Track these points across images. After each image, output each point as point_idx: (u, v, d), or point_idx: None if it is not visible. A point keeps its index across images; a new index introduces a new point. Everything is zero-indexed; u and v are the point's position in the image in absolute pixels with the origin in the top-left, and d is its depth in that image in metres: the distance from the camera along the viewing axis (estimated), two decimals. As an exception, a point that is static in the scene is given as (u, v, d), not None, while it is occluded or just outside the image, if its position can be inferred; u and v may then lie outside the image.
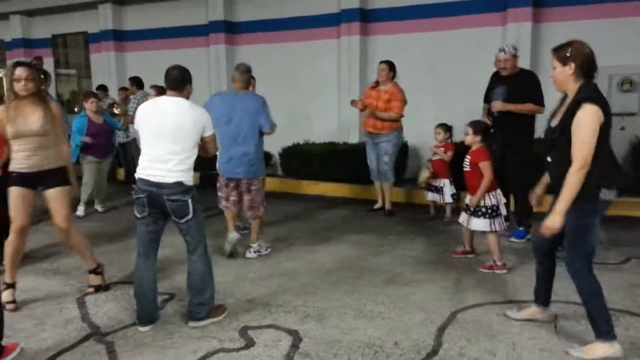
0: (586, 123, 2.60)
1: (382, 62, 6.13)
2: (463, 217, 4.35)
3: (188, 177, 3.21)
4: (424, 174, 5.94)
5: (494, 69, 5.16)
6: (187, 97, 3.30)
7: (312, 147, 8.03)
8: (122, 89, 8.77)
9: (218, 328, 3.29)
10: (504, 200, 4.26)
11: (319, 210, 6.65)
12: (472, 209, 4.20)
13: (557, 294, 3.63)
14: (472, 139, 4.25)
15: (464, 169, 4.30)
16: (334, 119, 8.48)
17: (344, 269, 4.35)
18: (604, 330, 2.74)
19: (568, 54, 2.72)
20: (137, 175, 3.24)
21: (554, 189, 2.84)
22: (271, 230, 5.62)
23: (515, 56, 4.93)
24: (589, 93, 2.68)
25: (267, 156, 8.47)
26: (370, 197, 6.84)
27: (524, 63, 7.27)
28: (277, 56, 9.05)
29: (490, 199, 4.15)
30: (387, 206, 6.28)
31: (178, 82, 3.23)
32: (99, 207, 6.73)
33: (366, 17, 8.40)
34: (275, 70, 8.88)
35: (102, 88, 9.16)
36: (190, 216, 3.19)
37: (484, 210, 4.15)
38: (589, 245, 2.78)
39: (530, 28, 7.28)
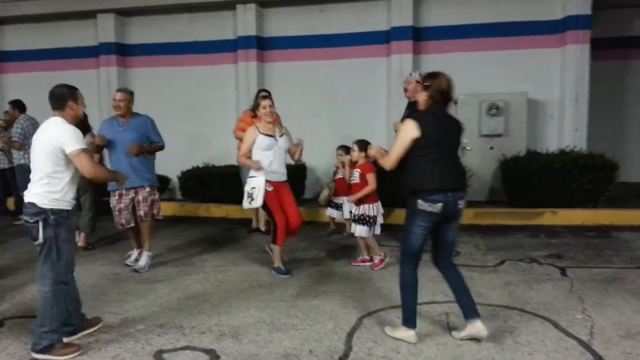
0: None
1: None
2: (351, 226, 5.01)
3: (43, 200, 3.09)
4: (325, 193, 6.34)
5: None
6: (73, 116, 3.24)
7: (213, 170, 8.05)
8: (6, 112, 8.12)
9: (131, 355, 3.23)
10: (382, 210, 4.95)
11: (223, 232, 6.68)
12: (356, 217, 4.86)
13: (447, 293, 4.09)
14: (358, 155, 4.92)
15: (352, 182, 4.94)
16: (233, 142, 8.57)
17: (254, 287, 4.47)
18: (406, 319, 3.28)
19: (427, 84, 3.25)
20: None
21: None
22: (178, 254, 5.57)
23: (418, 82, 5.38)
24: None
25: (165, 180, 8.33)
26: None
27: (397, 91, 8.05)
28: (175, 80, 8.98)
29: (372, 209, 4.83)
30: (262, 226, 6.60)
31: (56, 100, 3.21)
32: None
33: (262, 45, 8.69)
34: (174, 94, 8.83)
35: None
36: (40, 241, 3.09)
37: (366, 219, 4.82)
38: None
39: (411, 59, 8.07)
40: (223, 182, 7.73)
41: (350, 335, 3.43)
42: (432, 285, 4.31)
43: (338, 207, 6.28)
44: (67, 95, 3.21)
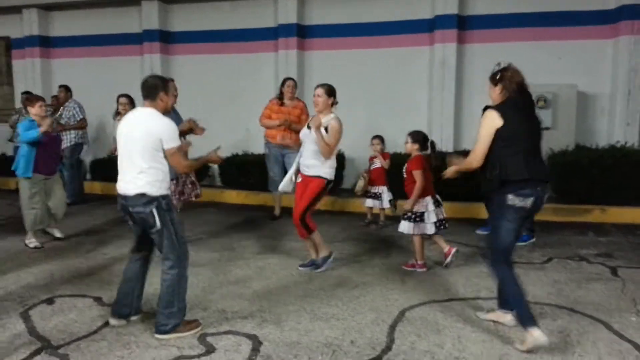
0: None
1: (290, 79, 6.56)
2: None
3: (152, 188, 3.16)
4: (360, 183, 6.28)
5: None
6: (162, 107, 3.27)
7: (251, 158, 8.10)
8: (54, 97, 8.40)
9: (176, 336, 3.29)
10: (432, 207, 4.48)
11: (262, 219, 6.72)
12: (403, 214, 4.55)
13: (493, 290, 3.99)
14: (411, 147, 4.58)
15: (405, 176, 4.61)
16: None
17: (294, 274, 4.48)
18: (524, 319, 3.05)
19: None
20: None
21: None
22: (218, 240, 5.64)
23: None
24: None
25: (205, 167, 8.44)
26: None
27: (449, 81, 7.90)
28: (216, 67, 9.05)
29: (417, 205, 4.46)
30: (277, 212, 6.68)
31: (149, 89, 3.23)
32: (56, 233, 5.73)
33: (303, 33, 8.64)
34: (214, 82, 8.90)
35: (27, 94, 8.69)
36: (157, 227, 3.17)
37: (409, 214, 4.49)
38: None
39: (455, 48, 7.87)
40: (261, 170, 7.76)
41: (392, 327, 3.38)
42: (476, 281, 4.23)
43: (376, 196, 6.21)
44: (159, 86, 3.24)
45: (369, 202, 6.29)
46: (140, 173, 3.14)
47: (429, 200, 4.49)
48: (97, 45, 9.66)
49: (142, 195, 3.14)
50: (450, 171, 3.45)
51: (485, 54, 7.57)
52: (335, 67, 8.31)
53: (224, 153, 8.07)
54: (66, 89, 7.90)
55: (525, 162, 2.98)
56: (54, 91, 9.00)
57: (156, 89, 3.22)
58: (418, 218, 4.47)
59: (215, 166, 8.42)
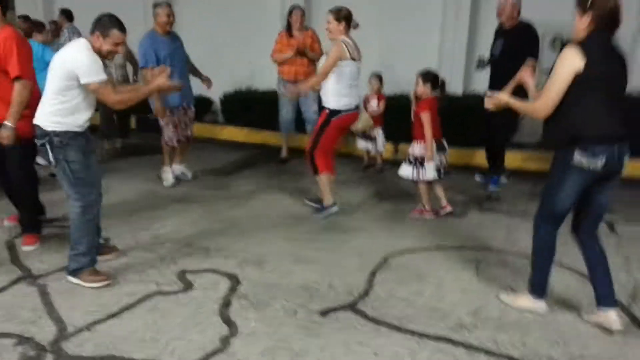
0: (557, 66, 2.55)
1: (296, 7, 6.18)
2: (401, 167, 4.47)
3: (45, 122, 2.97)
4: (367, 122, 5.89)
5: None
6: (97, 48, 2.95)
7: (255, 94, 7.90)
8: (53, 22, 8.14)
9: (156, 271, 3.31)
10: (436, 152, 4.30)
11: (261, 158, 6.63)
12: (407, 160, 4.38)
13: (481, 240, 3.92)
14: (422, 89, 4.31)
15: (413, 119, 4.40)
16: (274, 67, 8.31)
17: (283, 216, 4.43)
18: (535, 286, 2.87)
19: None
20: None
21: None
22: (213, 178, 5.59)
23: (514, 5, 4.91)
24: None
25: (208, 102, 8.28)
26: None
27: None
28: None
29: (420, 148, 4.28)
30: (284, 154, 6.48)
31: (93, 24, 2.99)
32: None
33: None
34: (217, 13, 8.54)
35: (24, 18, 8.43)
36: (52, 163, 3.04)
37: (411, 159, 4.33)
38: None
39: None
40: (264, 107, 7.58)
41: (373, 274, 3.35)
42: (466, 230, 4.15)
43: (369, 138, 6.00)
44: (96, 25, 2.97)
45: (362, 144, 6.09)
46: (42, 104, 3.00)
47: (434, 144, 4.31)
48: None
49: (37, 127, 3.00)
50: (498, 101, 2.87)
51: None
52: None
53: (227, 88, 7.99)
54: (66, 13, 7.63)
55: (605, 117, 2.55)
56: (54, 15, 8.74)
57: (93, 27, 2.97)
58: (419, 162, 4.30)
59: (218, 102, 8.25)
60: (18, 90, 3.31)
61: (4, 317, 2.75)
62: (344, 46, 4.09)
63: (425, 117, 4.22)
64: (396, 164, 5.74)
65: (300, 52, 5.96)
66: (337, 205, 4.41)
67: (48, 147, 2.97)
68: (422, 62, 5.30)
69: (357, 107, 4.40)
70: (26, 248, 3.60)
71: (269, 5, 8.33)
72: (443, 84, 4.44)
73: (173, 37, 5.10)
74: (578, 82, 2.50)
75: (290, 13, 6.11)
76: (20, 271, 3.26)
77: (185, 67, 5.19)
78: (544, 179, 2.82)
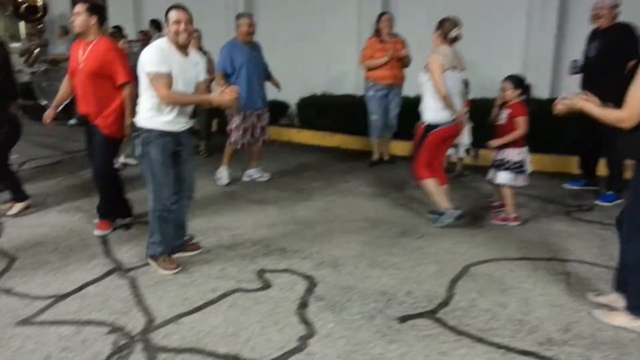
0: None
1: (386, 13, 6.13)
2: (491, 173, 4.35)
3: (140, 118, 3.19)
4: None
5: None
6: (168, 38, 3.09)
7: (330, 99, 7.96)
8: (142, 32, 8.66)
9: (236, 269, 3.39)
10: (529, 157, 4.22)
11: (336, 162, 6.64)
12: (497, 163, 4.24)
13: (571, 252, 3.69)
14: (512, 94, 4.17)
15: (498, 122, 4.25)
16: (351, 70, 8.33)
17: (359, 220, 4.40)
18: (634, 304, 2.67)
19: None
20: None
21: None
22: (287, 180, 5.67)
23: (613, 7, 4.65)
24: None
25: (284, 106, 8.44)
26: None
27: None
28: (294, 3, 8.79)
29: (517, 154, 4.16)
30: (386, 157, 6.47)
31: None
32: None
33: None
34: (294, 19, 8.69)
35: (117, 29, 9.05)
36: (138, 157, 3.26)
37: (509, 165, 4.18)
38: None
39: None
40: (339, 111, 7.62)
41: (453, 282, 3.24)
42: (554, 240, 3.92)
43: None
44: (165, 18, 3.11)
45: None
46: (139, 101, 3.20)
47: (526, 150, 4.20)
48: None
49: (135, 122, 3.23)
50: (571, 105, 2.71)
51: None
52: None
53: (303, 93, 8.11)
54: (155, 24, 8.10)
55: None
56: (146, 25, 9.29)
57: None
58: (519, 168, 4.18)
59: (293, 106, 8.39)
60: (128, 94, 3.71)
61: (98, 307, 2.93)
62: (441, 57, 4.00)
63: (522, 121, 4.10)
64: (476, 170, 5.59)
65: (396, 58, 5.95)
66: (456, 210, 4.22)
67: (139, 141, 3.17)
68: (506, 67, 5.10)
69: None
70: (98, 233, 3.95)
71: (346, 13, 8.37)
72: (529, 87, 4.25)
73: (253, 46, 5.29)
74: None
75: (379, 19, 6.10)
76: (113, 263, 3.47)
77: (262, 75, 5.38)
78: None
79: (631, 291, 2.68)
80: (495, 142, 4.19)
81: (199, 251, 3.66)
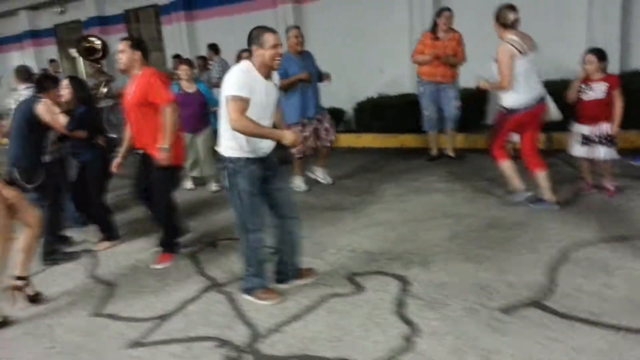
0: None
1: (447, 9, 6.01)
2: (584, 150, 4.28)
3: (223, 148, 3.05)
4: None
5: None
6: (259, 62, 2.94)
7: (388, 100, 7.92)
8: (200, 57, 9.00)
9: (327, 276, 3.42)
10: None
11: (401, 161, 6.58)
12: (599, 139, 4.18)
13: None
14: (597, 66, 4.11)
15: (589, 99, 4.16)
16: (406, 69, 8.26)
17: (438, 217, 4.33)
18: None
19: None
20: None
21: None
22: (356, 185, 5.68)
23: None
24: None
25: (340, 112, 8.48)
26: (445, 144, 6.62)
27: None
28: (345, 9, 8.85)
29: (610, 127, 4.14)
30: (451, 152, 6.34)
31: (248, 42, 2.99)
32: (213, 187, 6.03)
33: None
34: (344, 24, 8.75)
35: (177, 57, 9.44)
36: (227, 189, 3.09)
37: (608, 139, 4.14)
38: None
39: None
40: (397, 111, 7.56)
41: (554, 269, 3.12)
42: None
43: None
44: (250, 40, 2.96)
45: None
46: (224, 132, 3.03)
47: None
48: (234, 3, 10.06)
49: (219, 153, 3.11)
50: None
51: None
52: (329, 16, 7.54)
53: (359, 96, 8.12)
54: (212, 48, 8.42)
55: None
56: (200, 51, 9.66)
57: (248, 44, 2.97)
58: (610, 142, 4.17)
59: (350, 112, 8.42)
60: (168, 114, 3.68)
61: (202, 323, 3.03)
62: (509, 45, 3.96)
63: (618, 93, 4.06)
64: (552, 154, 5.38)
65: (438, 57, 5.88)
66: (528, 192, 4.31)
67: (225, 172, 3.05)
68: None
69: (541, 100, 4.14)
70: (156, 266, 3.91)
71: (396, 11, 8.33)
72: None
73: (305, 56, 5.40)
74: None
75: (438, 14, 6.01)
76: (208, 281, 3.59)
77: (317, 81, 5.46)
78: None
79: None
80: (615, 129, 4.12)
81: (316, 278, 3.40)
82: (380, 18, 8.52)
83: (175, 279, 3.68)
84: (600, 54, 4.11)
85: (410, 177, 5.75)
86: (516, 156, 5.74)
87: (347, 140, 8.02)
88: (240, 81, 2.88)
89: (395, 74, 8.35)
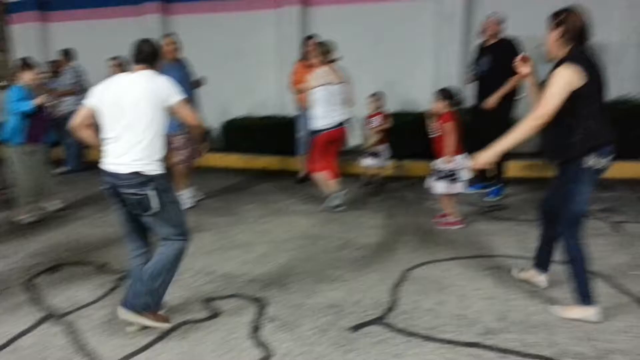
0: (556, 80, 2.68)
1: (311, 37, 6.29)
2: (428, 182, 4.65)
3: (148, 167, 2.81)
4: (372, 139, 6.07)
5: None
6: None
7: (255, 121, 8.01)
8: (53, 62, 8.25)
9: (181, 301, 3.33)
10: (467, 164, 4.31)
11: (265, 182, 6.69)
12: (437, 175, 4.52)
13: (493, 249, 4.01)
14: (441, 106, 4.49)
15: (431, 136, 4.57)
16: (273, 92, 8.45)
17: (297, 238, 4.48)
18: (583, 295, 2.87)
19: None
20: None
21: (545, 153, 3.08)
22: (219, 205, 5.64)
23: (498, 23, 5.26)
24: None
25: (205, 131, 8.35)
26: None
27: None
28: (216, 27, 8.79)
29: (451, 163, 4.45)
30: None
31: (147, 56, 2.95)
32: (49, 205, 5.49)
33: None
34: (215, 42, 8.69)
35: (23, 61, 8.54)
36: (155, 209, 2.81)
37: (444, 174, 4.47)
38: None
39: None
40: (264, 133, 7.69)
41: (395, 287, 3.41)
42: (478, 239, 4.23)
43: (375, 155, 6.10)
44: (157, 53, 3.00)
45: (368, 161, 6.17)
46: (138, 144, 2.77)
47: (460, 158, 4.46)
48: (96, 7, 9.43)
49: (137, 174, 2.76)
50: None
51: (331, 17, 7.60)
52: (341, 23, 7.94)
53: (227, 116, 8.10)
54: (65, 53, 7.76)
55: (607, 125, 2.76)
56: (53, 56, 8.85)
57: (154, 56, 2.97)
58: (452, 177, 4.46)
59: (217, 129, 8.35)
60: None
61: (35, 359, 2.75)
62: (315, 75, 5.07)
63: (449, 127, 4.41)
64: (398, 180, 5.89)
65: None
66: (343, 191, 5.25)
67: (154, 192, 2.81)
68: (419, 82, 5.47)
69: (339, 125, 5.10)
70: None
71: (263, 35, 8.49)
72: (457, 99, 4.69)
73: (182, 64, 5.37)
74: (580, 96, 2.66)
75: (305, 42, 6.31)
76: (44, 310, 3.26)
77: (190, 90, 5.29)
78: (542, 185, 2.93)
79: (577, 284, 2.87)
80: (445, 158, 4.44)
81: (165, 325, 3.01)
82: (252, 40, 8.65)
83: (3, 309, 3.29)
84: (445, 94, 4.54)
85: (273, 198, 5.87)
86: (369, 182, 6.24)
87: (213, 159, 7.92)
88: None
89: (262, 95, 8.50)
